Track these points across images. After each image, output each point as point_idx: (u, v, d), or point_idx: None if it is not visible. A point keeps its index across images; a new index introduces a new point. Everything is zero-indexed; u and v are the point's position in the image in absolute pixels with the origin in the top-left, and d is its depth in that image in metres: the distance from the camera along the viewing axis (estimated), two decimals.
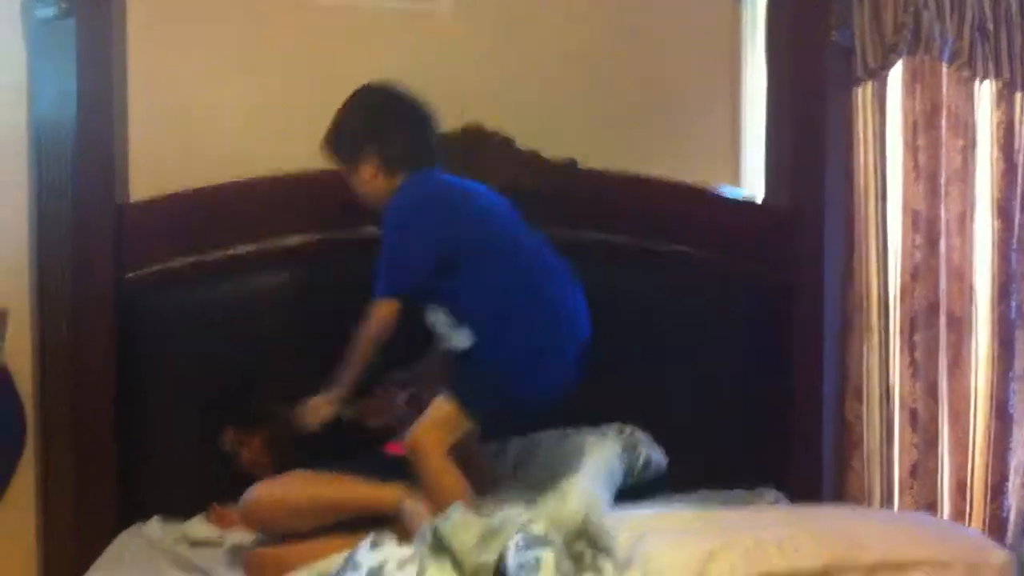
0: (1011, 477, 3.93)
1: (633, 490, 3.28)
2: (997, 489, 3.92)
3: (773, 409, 3.72)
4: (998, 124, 3.91)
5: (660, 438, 3.46)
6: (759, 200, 3.89)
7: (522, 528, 2.50)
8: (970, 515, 3.92)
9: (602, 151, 3.67)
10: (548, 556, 2.38)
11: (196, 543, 3.10)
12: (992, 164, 3.92)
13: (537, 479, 3.20)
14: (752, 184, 3.92)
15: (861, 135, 3.83)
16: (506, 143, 3.62)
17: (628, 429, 3.43)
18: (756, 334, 3.73)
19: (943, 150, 3.88)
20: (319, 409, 2.97)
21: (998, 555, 2.77)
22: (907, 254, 3.86)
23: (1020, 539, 3.92)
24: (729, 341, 3.69)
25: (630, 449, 3.36)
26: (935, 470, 3.92)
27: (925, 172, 3.86)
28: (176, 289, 3.42)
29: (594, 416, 3.43)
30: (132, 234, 3.39)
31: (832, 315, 3.79)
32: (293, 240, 3.46)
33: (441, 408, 2.83)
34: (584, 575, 2.45)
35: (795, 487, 3.59)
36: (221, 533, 3.13)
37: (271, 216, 3.46)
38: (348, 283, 3.26)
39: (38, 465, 3.40)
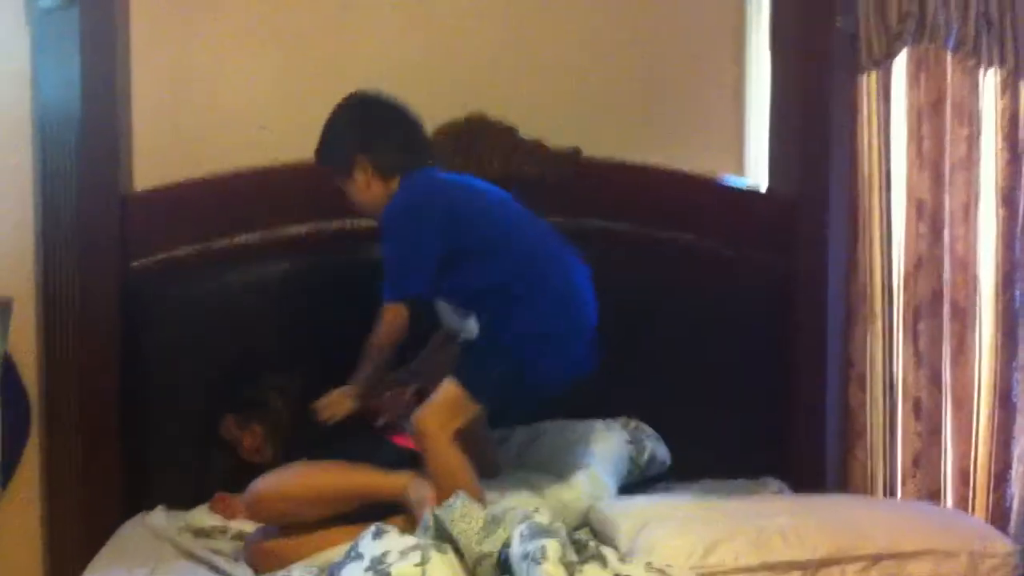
0: (1014, 466, 3.92)
1: (637, 484, 3.28)
2: (1000, 478, 3.91)
3: (776, 398, 3.72)
4: (1003, 112, 3.89)
5: (663, 427, 3.47)
6: (763, 189, 3.88)
7: (526, 518, 2.50)
8: (973, 504, 3.92)
9: (605, 141, 3.67)
10: (552, 545, 2.37)
11: (200, 532, 3.10)
12: (997, 153, 3.90)
13: (542, 466, 3.21)
14: (756, 174, 3.91)
15: (865, 124, 3.82)
16: (509, 132, 3.62)
17: (634, 423, 3.44)
18: (760, 323, 3.73)
19: (947, 139, 3.86)
20: (339, 403, 2.98)
21: (1001, 544, 2.78)
22: (911, 243, 3.85)
23: (1023, 528, 3.92)
24: (732, 330, 3.68)
25: (636, 442, 3.36)
26: (938, 459, 3.91)
27: (929, 161, 3.85)
28: (180, 278, 3.43)
29: (598, 404, 3.42)
30: (136, 223, 3.40)
31: (836, 304, 3.78)
32: (297, 229, 3.48)
33: (447, 391, 2.83)
34: (588, 564, 2.43)
35: (798, 476, 3.59)
36: (225, 522, 3.13)
37: (275, 205, 3.47)
38: (351, 272, 3.29)
39: (43, 454, 3.42)
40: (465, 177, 3.14)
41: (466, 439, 2.87)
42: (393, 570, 2.36)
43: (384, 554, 2.41)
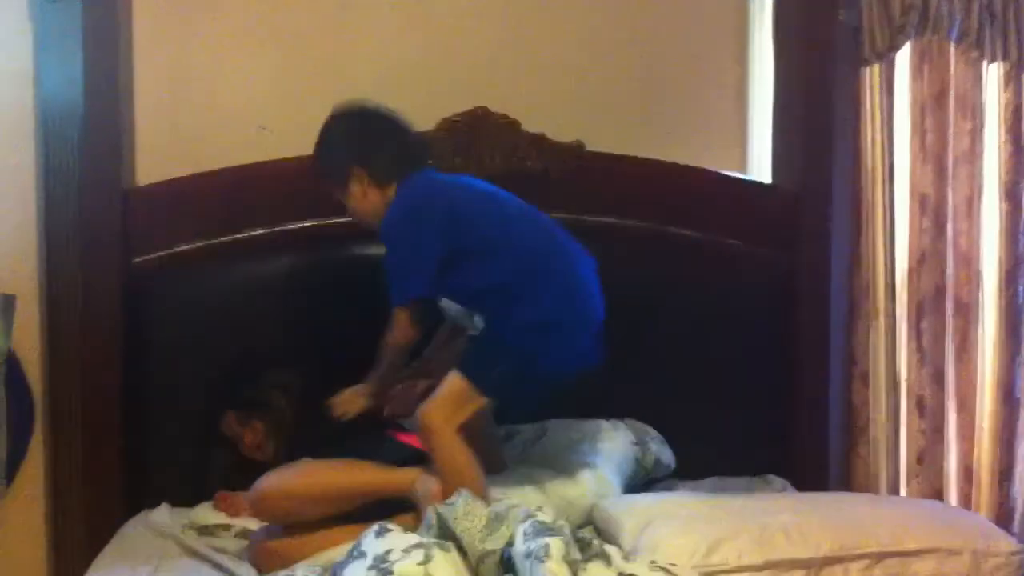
0: (1018, 464, 3.92)
1: (641, 486, 3.29)
2: (1004, 476, 3.91)
3: (779, 394, 3.71)
4: (1006, 106, 3.89)
5: (666, 423, 3.46)
6: (766, 184, 3.87)
7: (529, 516, 2.50)
8: (977, 502, 3.92)
9: (608, 137, 3.66)
10: (556, 544, 2.37)
11: (204, 529, 3.10)
12: (1000, 146, 3.90)
13: (547, 463, 3.20)
14: (758, 169, 3.90)
15: (868, 117, 3.81)
16: (513, 126, 3.61)
17: (640, 426, 3.43)
18: (763, 318, 3.72)
19: (951, 132, 3.86)
20: (352, 401, 2.99)
21: (1005, 543, 2.78)
22: (914, 238, 3.85)
23: None
24: (735, 325, 3.67)
25: (642, 444, 3.36)
26: (942, 457, 3.91)
27: (933, 154, 3.85)
28: (183, 274, 3.43)
29: (601, 400, 3.42)
30: (138, 219, 3.40)
31: (839, 299, 3.78)
32: (300, 224, 3.47)
33: (452, 385, 2.83)
34: (591, 563, 2.43)
35: (801, 473, 3.59)
36: (229, 519, 3.13)
37: (278, 200, 3.47)
38: (354, 268, 3.28)
39: (47, 451, 3.42)
40: (464, 177, 3.14)
41: (471, 435, 2.86)
42: (396, 568, 2.36)
43: (387, 552, 2.41)
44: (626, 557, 2.54)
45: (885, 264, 3.82)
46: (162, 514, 3.22)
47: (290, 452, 3.03)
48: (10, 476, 3.33)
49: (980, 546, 2.74)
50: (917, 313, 3.86)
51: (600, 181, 3.63)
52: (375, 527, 2.52)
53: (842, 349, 3.80)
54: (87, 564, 2.93)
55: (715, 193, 3.76)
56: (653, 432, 3.43)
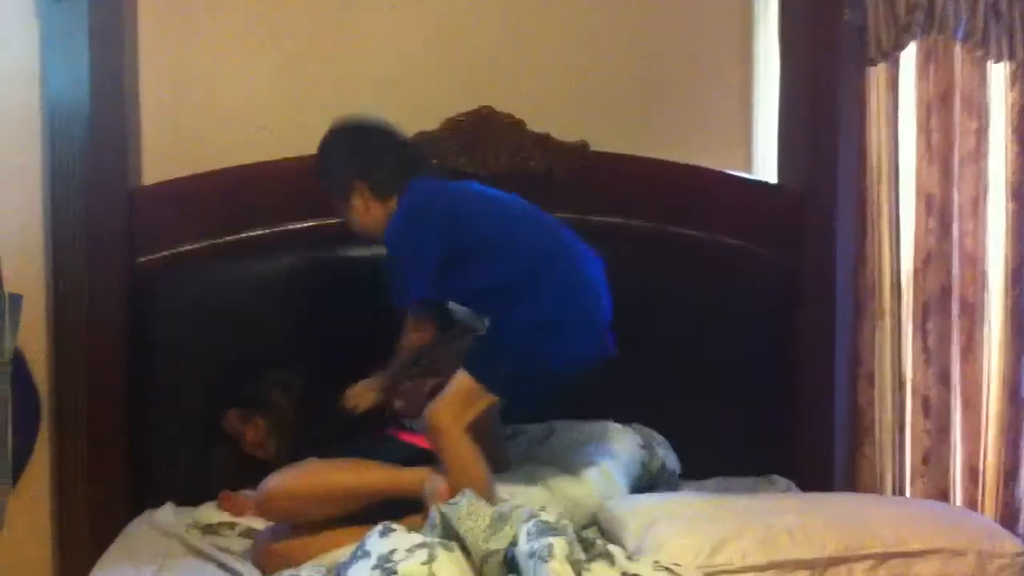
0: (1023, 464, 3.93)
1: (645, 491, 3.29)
2: (1010, 477, 3.90)
3: (784, 394, 3.71)
4: (1012, 105, 3.88)
5: (669, 424, 3.45)
6: (771, 183, 3.86)
7: (533, 516, 2.50)
8: (982, 503, 3.91)
9: (613, 136, 3.66)
10: (559, 543, 2.37)
11: (209, 528, 3.10)
12: (1006, 146, 3.89)
13: (553, 462, 3.20)
14: (763, 170, 3.89)
15: (874, 117, 3.80)
16: (517, 125, 3.61)
17: (647, 430, 3.42)
18: (767, 318, 3.71)
19: (956, 132, 3.85)
20: (363, 395, 3.01)
21: (1010, 544, 2.78)
22: (920, 238, 3.85)
23: None
24: (740, 325, 3.67)
25: (648, 448, 3.35)
26: (947, 457, 3.90)
27: (938, 154, 3.84)
28: (187, 274, 3.43)
29: (603, 399, 3.41)
30: (143, 219, 3.40)
31: (844, 299, 3.77)
32: (303, 224, 3.47)
33: (459, 384, 2.84)
34: (595, 562, 2.43)
35: (806, 474, 3.58)
36: (234, 518, 3.14)
37: (282, 200, 3.47)
38: (356, 268, 3.29)
39: (53, 450, 3.42)
40: (465, 181, 3.15)
41: (478, 434, 2.87)
42: (400, 568, 2.35)
43: (391, 552, 2.41)
44: (630, 557, 2.54)
45: (890, 264, 3.82)
46: (166, 513, 3.22)
47: (292, 451, 3.03)
48: (16, 475, 3.32)
49: (985, 547, 2.74)
50: (923, 313, 3.85)
51: (605, 181, 3.63)
52: (379, 527, 2.52)
53: (847, 349, 3.80)
54: (92, 563, 2.93)
55: (720, 193, 3.76)
56: (659, 437, 3.42)
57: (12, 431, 3.19)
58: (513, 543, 2.46)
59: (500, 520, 2.52)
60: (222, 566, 2.85)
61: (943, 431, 3.89)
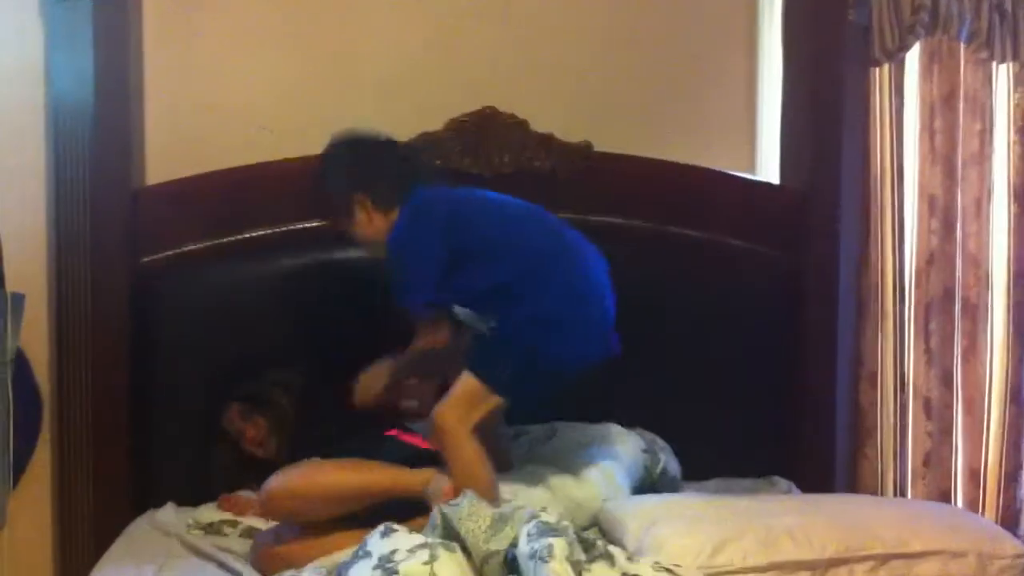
0: None
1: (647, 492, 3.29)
2: (1011, 478, 3.90)
3: (786, 395, 3.70)
4: (1016, 107, 3.88)
5: (671, 424, 3.44)
6: (774, 184, 3.86)
7: (533, 516, 2.50)
8: (983, 504, 3.91)
9: (617, 136, 3.66)
10: (559, 544, 2.37)
11: (210, 527, 3.10)
12: (1010, 147, 3.89)
13: (557, 463, 3.20)
14: (767, 170, 3.89)
15: (877, 117, 3.81)
16: (521, 125, 3.61)
17: (650, 435, 3.42)
18: (769, 319, 3.71)
19: (960, 133, 3.85)
20: (375, 378, 3.06)
21: (1011, 545, 2.78)
22: (923, 239, 3.84)
23: None
24: (742, 325, 3.66)
25: (651, 453, 3.34)
26: (949, 459, 3.90)
27: (942, 155, 3.84)
28: (190, 274, 3.43)
29: (604, 399, 3.41)
30: (147, 218, 3.41)
31: (847, 300, 3.77)
32: (307, 224, 3.47)
33: (465, 385, 2.84)
34: (595, 563, 2.43)
35: (807, 474, 3.58)
36: (236, 516, 3.14)
37: (284, 201, 3.47)
38: (359, 268, 3.28)
39: (54, 450, 3.42)
40: (467, 188, 3.16)
41: (482, 434, 2.87)
42: (401, 568, 2.35)
43: (392, 552, 2.41)
44: (630, 558, 2.53)
45: (893, 265, 3.82)
46: (167, 513, 3.23)
47: (291, 450, 3.04)
48: (17, 475, 3.34)
49: (986, 548, 2.74)
50: (925, 314, 3.85)
51: (608, 181, 3.63)
52: (380, 527, 2.52)
53: (849, 350, 3.80)
54: (93, 563, 2.94)
55: (723, 193, 3.75)
56: (662, 442, 3.41)
57: (13, 431, 3.20)
58: (513, 544, 2.45)
59: (501, 521, 2.51)
60: (222, 566, 2.84)
61: (944, 432, 3.89)
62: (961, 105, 3.85)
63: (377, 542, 2.47)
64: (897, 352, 3.83)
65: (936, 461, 3.88)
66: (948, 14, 3.76)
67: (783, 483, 3.51)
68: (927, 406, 3.87)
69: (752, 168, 3.90)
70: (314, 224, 3.46)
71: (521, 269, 2.87)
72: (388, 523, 2.53)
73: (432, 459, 2.88)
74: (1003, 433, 3.89)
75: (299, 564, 2.66)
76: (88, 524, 3.33)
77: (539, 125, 3.60)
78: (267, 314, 3.40)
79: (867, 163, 3.80)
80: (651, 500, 3.04)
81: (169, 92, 3.53)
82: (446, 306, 2.97)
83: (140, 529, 3.15)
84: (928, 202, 3.84)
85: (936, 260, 3.84)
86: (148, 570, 2.81)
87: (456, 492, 2.68)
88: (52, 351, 3.41)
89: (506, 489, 2.90)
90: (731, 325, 3.64)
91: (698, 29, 3.86)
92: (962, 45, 3.83)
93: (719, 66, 3.90)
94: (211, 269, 3.44)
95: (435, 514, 2.57)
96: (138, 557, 2.90)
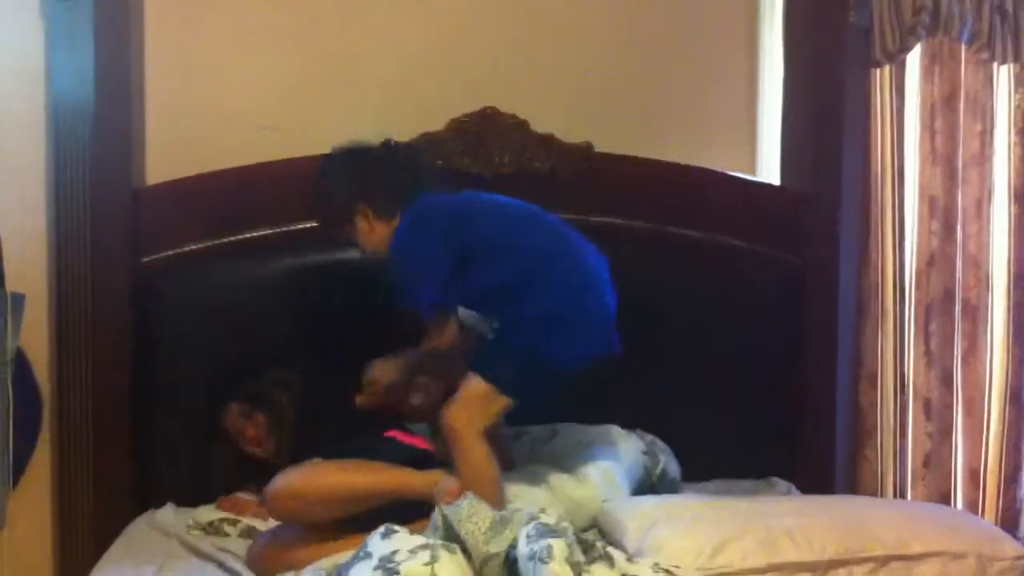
0: None
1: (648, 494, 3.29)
2: (1011, 480, 3.90)
3: (786, 396, 3.70)
4: (1017, 108, 3.88)
5: (670, 425, 3.45)
6: (775, 184, 3.86)
7: (533, 518, 2.51)
8: (983, 506, 3.91)
9: (617, 136, 3.66)
10: (559, 545, 2.37)
11: (210, 527, 3.10)
12: (1010, 148, 3.89)
13: (558, 463, 3.19)
14: (767, 171, 3.89)
15: (878, 118, 3.81)
16: (522, 126, 3.61)
17: (650, 437, 3.42)
18: (770, 319, 3.71)
19: (961, 134, 3.85)
20: (387, 372, 3.06)
21: (1011, 547, 2.78)
22: (923, 240, 3.85)
23: None
24: (742, 326, 3.66)
25: (651, 455, 3.35)
26: (949, 460, 3.90)
27: (942, 156, 3.84)
28: (191, 274, 3.43)
29: (605, 399, 3.39)
30: (148, 218, 3.41)
31: (847, 301, 3.77)
32: (307, 224, 3.45)
33: (473, 387, 2.85)
34: (595, 564, 2.43)
35: (807, 476, 3.58)
36: (236, 516, 3.14)
37: (285, 200, 3.45)
38: (359, 268, 3.28)
39: (54, 450, 3.42)
40: (467, 191, 3.15)
41: (489, 435, 2.88)
42: (402, 568, 2.35)
43: (393, 553, 2.41)
44: (630, 559, 2.53)
45: (894, 266, 3.82)
46: (167, 514, 3.23)
47: (291, 450, 3.04)
48: (17, 475, 3.34)
49: (985, 550, 2.73)
50: (925, 315, 3.85)
51: (608, 182, 3.63)
52: (381, 529, 2.52)
53: (849, 351, 3.80)
54: (93, 563, 2.94)
55: (723, 194, 3.75)
56: (661, 443, 3.41)
57: (13, 431, 3.20)
58: (513, 545, 2.46)
59: (500, 523, 2.52)
60: (222, 566, 2.85)
61: (944, 433, 3.89)
62: (962, 106, 3.85)
63: (378, 543, 2.47)
64: (897, 353, 3.83)
65: (936, 462, 3.88)
66: (949, 15, 3.76)
67: (783, 484, 3.51)
68: (927, 407, 3.87)
69: (753, 169, 3.90)
70: (314, 224, 3.44)
71: (521, 269, 2.88)
72: (388, 524, 2.53)
73: (431, 459, 2.88)
74: (1003, 434, 3.89)
75: (299, 566, 2.66)
76: (88, 524, 3.33)
77: (539, 125, 3.60)
78: (268, 314, 3.40)
79: (868, 164, 3.80)
80: (651, 501, 3.04)
81: (170, 92, 3.53)
82: (452, 307, 2.97)
83: (140, 529, 3.15)
84: (928, 203, 3.84)
85: (936, 261, 3.84)
86: (148, 570, 2.81)
87: (461, 492, 2.68)
88: (52, 351, 3.40)
89: (508, 489, 2.91)
90: (731, 326, 3.64)
91: (699, 30, 3.86)
92: (963, 46, 3.83)
93: (720, 67, 3.90)
94: (212, 269, 3.43)
95: (436, 515, 2.57)
96: (138, 557, 2.90)
